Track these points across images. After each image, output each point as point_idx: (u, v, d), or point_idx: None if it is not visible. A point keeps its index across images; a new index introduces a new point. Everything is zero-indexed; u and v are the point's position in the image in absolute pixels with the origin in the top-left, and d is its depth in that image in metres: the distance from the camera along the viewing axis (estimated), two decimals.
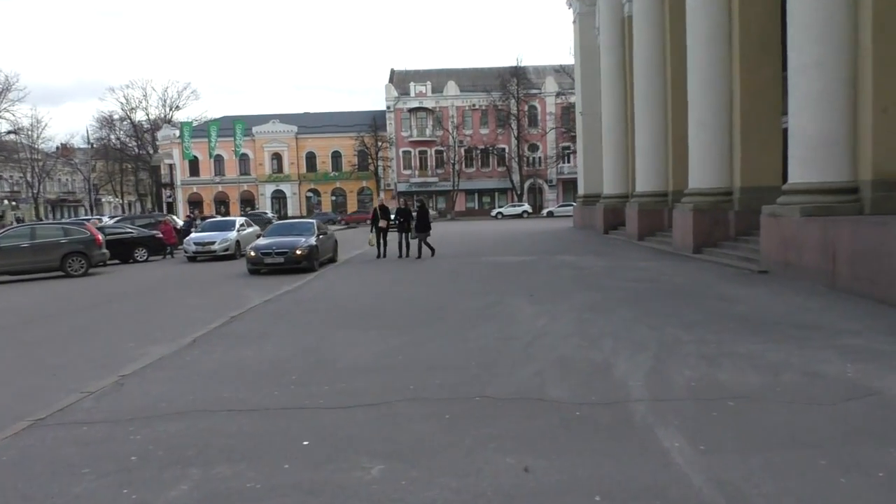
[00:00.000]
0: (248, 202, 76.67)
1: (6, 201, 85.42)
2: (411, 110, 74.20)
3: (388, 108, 74.39)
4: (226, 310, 11.55)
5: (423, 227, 19.55)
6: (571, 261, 16.92)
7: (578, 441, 4.67)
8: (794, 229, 11.87)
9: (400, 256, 19.49)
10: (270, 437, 5.03)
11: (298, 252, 18.08)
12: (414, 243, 19.77)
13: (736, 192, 16.15)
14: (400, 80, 76.07)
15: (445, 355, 7.35)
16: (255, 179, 76.45)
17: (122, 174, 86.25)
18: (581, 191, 33.43)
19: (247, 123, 73.14)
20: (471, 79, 74.39)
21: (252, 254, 18.23)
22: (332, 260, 20.70)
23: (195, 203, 76.29)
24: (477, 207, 73.98)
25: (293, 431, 5.12)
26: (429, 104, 73.81)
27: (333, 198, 76.62)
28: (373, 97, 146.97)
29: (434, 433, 4.94)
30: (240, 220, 27.27)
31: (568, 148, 68.70)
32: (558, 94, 70.50)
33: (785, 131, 15.62)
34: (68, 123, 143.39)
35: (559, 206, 62.87)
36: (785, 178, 13.23)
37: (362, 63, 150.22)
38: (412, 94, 74.13)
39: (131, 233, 25.60)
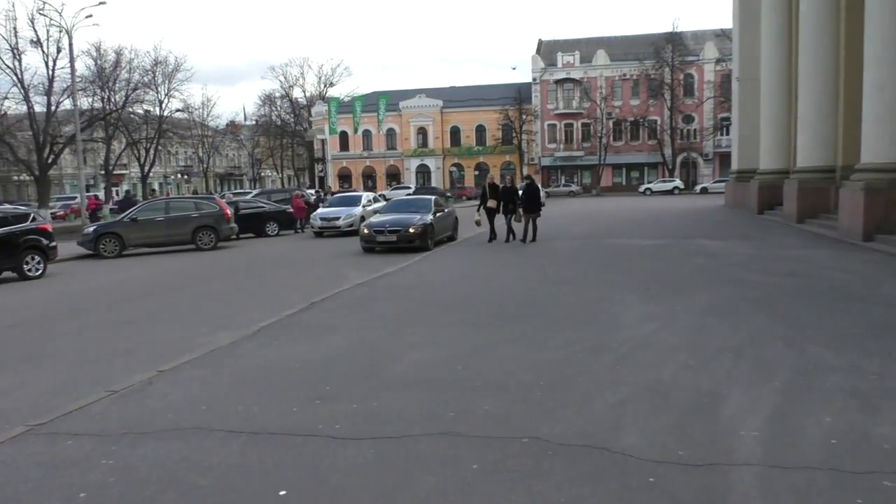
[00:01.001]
0: (393, 176, 77.90)
1: (179, 175, 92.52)
2: (558, 81, 71.54)
3: (535, 79, 72.16)
4: (316, 292, 10.89)
5: (533, 208, 17.31)
6: (711, 247, 14.75)
7: None
8: None
9: (507, 241, 17.42)
10: (247, 478, 4.02)
11: (412, 230, 17.24)
12: (519, 227, 17.41)
13: None
14: (547, 51, 73.54)
15: (514, 367, 6.03)
16: (401, 154, 77.29)
17: (281, 149, 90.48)
18: (735, 165, 30.14)
19: (392, 98, 74.05)
20: (622, 47, 70.38)
21: (365, 231, 17.64)
22: (452, 238, 19.72)
23: (344, 177, 78.74)
24: (624, 183, 70.34)
25: (278, 473, 4.07)
26: (576, 75, 70.82)
27: (477, 172, 75.83)
28: (520, 70, 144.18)
29: (446, 494, 3.69)
30: (367, 195, 27.00)
31: (726, 119, 62.82)
32: (718, 61, 64.70)
33: None
34: (240, 102, 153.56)
35: (714, 182, 58.14)
36: None
37: (512, 36, 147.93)
38: (559, 64, 71.42)
39: (263, 207, 26.04)
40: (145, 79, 57.64)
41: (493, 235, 18.01)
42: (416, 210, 18.73)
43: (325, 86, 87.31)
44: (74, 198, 48.04)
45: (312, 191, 56.43)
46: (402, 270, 13.22)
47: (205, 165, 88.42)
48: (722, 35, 62.69)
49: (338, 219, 23.77)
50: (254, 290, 12.41)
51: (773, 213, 22.25)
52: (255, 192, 35.30)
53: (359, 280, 12.11)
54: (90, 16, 41.89)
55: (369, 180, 78.33)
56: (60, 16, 44.86)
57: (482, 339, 7.21)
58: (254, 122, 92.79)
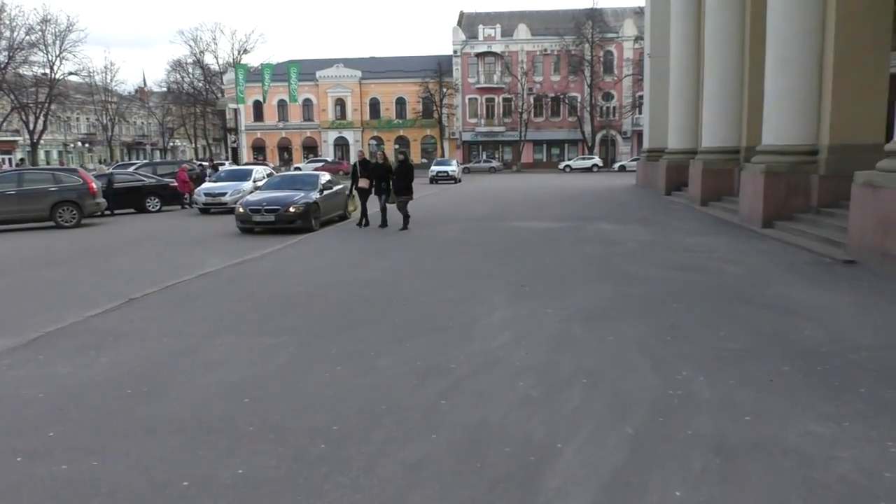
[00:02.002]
0: (310, 149, 75.16)
1: (81, 143, 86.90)
2: (479, 55, 70.17)
3: (455, 52, 70.57)
4: (150, 283, 9.34)
5: (404, 189, 14.92)
6: (608, 231, 13.79)
7: None
8: None
9: (382, 225, 15.28)
10: None
11: (292, 210, 15.64)
12: (394, 210, 15.25)
13: (822, 151, 12.60)
14: (469, 24, 72.01)
15: (314, 401, 4.70)
16: (319, 126, 74.60)
17: (193, 118, 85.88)
18: (645, 144, 29.61)
19: (309, 68, 71.10)
20: (543, 21, 69.61)
21: (241, 210, 15.90)
22: (343, 217, 18.24)
23: (259, 149, 75.52)
24: (545, 159, 69.97)
25: None
26: (498, 48, 69.62)
27: (396, 146, 73.95)
28: (440, 43, 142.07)
29: None
30: (260, 168, 25.05)
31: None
32: (637, 39, 64.54)
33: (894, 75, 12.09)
34: (153, 67, 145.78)
35: (632, 160, 58.23)
36: (890, 136, 9.75)
37: (432, 6, 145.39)
38: (480, 37, 70.02)
39: (142, 181, 23.76)
40: (31, 37, 52.94)
41: (364, 219, 15.88)
42: (300, 187, 17.14)
43: (239, 53, 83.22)
44: None
45: (227, 162, 53.58)
46: (266, 256, 11.68)
47: (109, 134, 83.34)
48: (641, 13, 62.73)
49: (224, 194, 21.81)
50: (83, 279, 10.62)
51: (680, 194, 21.68)
52: (139, 163, 32.55)
53: (210, 268, 10.55)
54: None
55: (285, 152, 75.44)
56: None
57: (301, 355, 5.84)
58: (165, 89, 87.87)
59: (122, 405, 4.77)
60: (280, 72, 61.70)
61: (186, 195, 23.99)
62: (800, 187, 12.81)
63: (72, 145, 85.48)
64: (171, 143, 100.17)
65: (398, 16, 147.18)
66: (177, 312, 7.61)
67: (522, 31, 68.86)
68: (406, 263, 10.58)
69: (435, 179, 42.00)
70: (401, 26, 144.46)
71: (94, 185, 19.29)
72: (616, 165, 61.27)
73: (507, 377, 5.08)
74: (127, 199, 23.01)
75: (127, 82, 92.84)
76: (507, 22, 70.51)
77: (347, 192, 18.14)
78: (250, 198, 16.62)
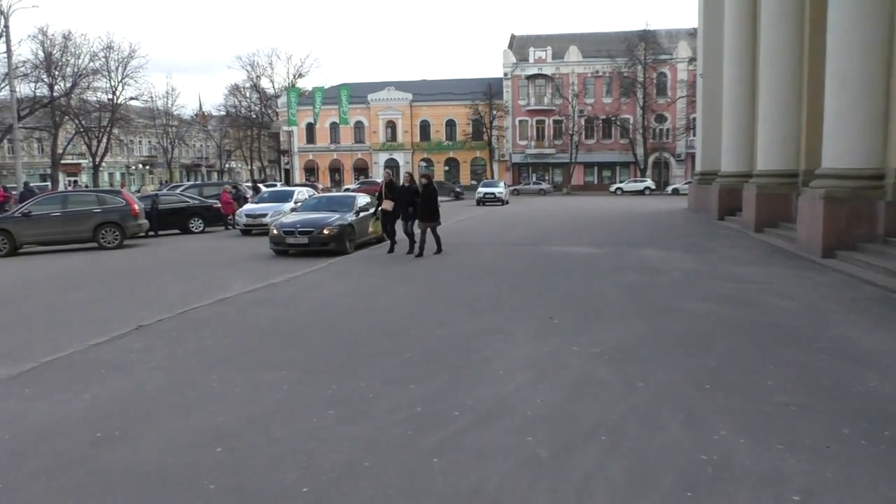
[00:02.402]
0: (361, 171, 75.72)
1: (142, 165, 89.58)
2: (529, 77, 69.74)
3: (506, 74, 70.27)
4: (168, 308, 9.08)
5: (429, 215, 13.92)
6: (652, 258, 12.96)
7: None
8: None
9: (410, 252, 14.16)
10: None
11: (326, 231, 15.33)
12: (420, 235, 14.25)
13: (890, 176, 11.58)
14: (519, 46, 71.76)
15: (283, 456, 4.16)
16: (369, 147, 75.15)
17: (249, 141, 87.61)
18: (698, 167, 28.51)
19: (361, 91, 71.83)
20: (594, 44, 68.76)
21: (274, 231, 15.66)
22: (381, 240, 17.84)
23: (311, 170, 76.43)
24: (596, 182, 68.79)
25: None
26: (548, 71, 69.08)
27: (446, 168, 73.96)
28: (491, 66, 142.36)
29: None
30: (301, 190, 24.92)
31: None
32: (691, 60, 62.88)
33: None
34: (215, 93, 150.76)
35: (685, 183, 56.56)
36: None
37: (484, 31, 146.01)
38: (531, 59, 69.64)
39: (186, 202, 23.91)
40: (95, 64, 54.76)
41: (392, 246, 14.89)
42: (336, 208, 16.85)
43: (294, 77, 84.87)
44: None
45: (279, 183, 54.05)
46: (291, 281, 11.29)
47: (169, 156, 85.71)
48: (695, 34, 61.29)
49: (265, 215, 21.70)
50: (105, 302, 10.42)
51: (733, 219, 20.60)
52: (186, 185, 32.99)
53: (231, 293, 10.21)
54: None
55: (336, 174, 76.18)
56: None
57: (294, 395, 5.33)
58: (223, 113, 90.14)
59: (86, 451, 4.33)
60: (331, 95, 62.42)
61: (230, 216, 24.03)
62: (864, 214, 11.79)
63: (133, 167, 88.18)
64: (228, 165, 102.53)
65: (450, 39, 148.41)
66: (181, 342, 7.21)
67: (573, 53, 68.20)
68: (431, 291, 10.01)
69: (482, 201, 41.46)
70: (452, 50, 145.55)
71: (136, 207, 19.41)
72: (669, 188, 59.77)
73: (514, 430, 4.44)
74: (171, 220, 23.20)
75: (187, 106, 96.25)
76: (558, 44, 69.96)
77: (372, 214, 17.74)
78: (284, 220, 16.37)
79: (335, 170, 76.65)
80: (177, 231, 23.39)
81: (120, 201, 19.33)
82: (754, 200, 17.18)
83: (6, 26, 40.04)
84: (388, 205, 14.72)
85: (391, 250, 14.83)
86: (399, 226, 14.85)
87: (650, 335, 6.92)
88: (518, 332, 7.14)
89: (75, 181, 53.29)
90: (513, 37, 74.25)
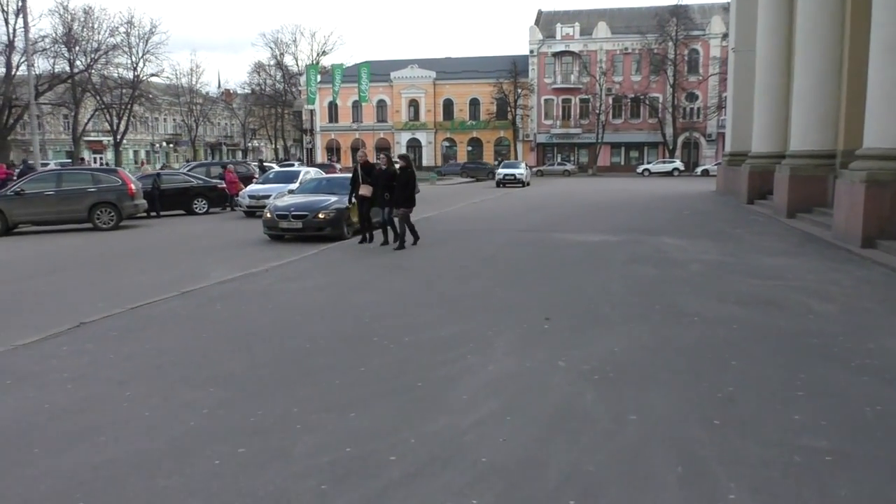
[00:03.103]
0: (383, 150, 74.66)
1: (166, 143, 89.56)
2: (556, 55, 67.82)
3: (532, 52, 68.45)
4: (132, 299, 8.26)
5: (403, 200, 12.26)
6: (670, 247, 11.79)
7: None
8: None
9: (385, 243, 12.83)
10: None
11: (321, 216, 14.37)
12: (399, 223, 12.66)
13: None
14: (546, 22, 69.79)
15: None
16: (392, 127, 74.01)
17: (273, 119, 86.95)
18: (727, 147, 26.98)
19: (383, 69, 70.71)
20: (624, 19, 66.67)
21: (268, 215, 14.73)
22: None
23: (333, 150, 75.63)
24: (623, 163, 66.95)
25: None
26: (576, 48, 67.07)
27: (469, 148, 72.60)
28: (517, 43, 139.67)
29: None
30: (308, 170, 23.99)
31: None
32: (724, 36, 60.11)
33: None
34: (241, 71, 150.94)
35: (715, 164, 54.49)
36: None
37: (511, 8, 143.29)
38: (558, 36, 67.66)
39: (190, 182, 23.12)
40: (115, 39, 54.26)
41: (365, 235, 13.35)
42: (335, 190, 15.85)
43: (318, 54, 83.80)
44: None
45: (297, 163, 53.12)
46: (270, 271, 10.36)
47: (193, 134, 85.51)
48: (729, 8, 58.83)
49: (268, 197, 20.76)
50: (70, 291, 9.69)
51: (764, 203, 19.24)
52: (192, 164, 32.24)
53: (201, 284, 9.32)
54: None
55: (357, 154, 75.19)
56: None
57: (210, 422, 4.39)
58: (248, 91, 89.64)
59: None
60: (352, 73, 61.29)
61: (235, 196, 23.22)
62: None
63: (158, 145, 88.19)
64: (253, 144, 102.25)
65: (476, 17, 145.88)
66: (116, 345, 6.31)
67: (602, 29, 66.12)
68: (416, 285, 9.01)
69: (502, 183, 40.15)
70: (478, 28, 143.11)
71: (133, 187, 18.63)
72: (699, 169, 57.86)
73: (458, 488, 3.43)
74: (175, 201, 22.46)
75: (211, 84, 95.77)
76: (587, 20, 67.90)
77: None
78: (278, 203, 15.44)
79: (356, 149, 75.59)
80: (181, 212, 22.66)
81: (116, 180, 18.57)
82: (787, 183, 15.84)
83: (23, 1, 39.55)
84: (365, 190, 13.01)
85: (364, 240, 13.36)
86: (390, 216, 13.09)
87: (654, 347, 5.84)
88: (500, 340, 6.11)
89: (81, 158, 52.84)
90: (540, 13, 72.29)
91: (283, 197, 16.92)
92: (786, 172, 15.95)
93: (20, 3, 41.84)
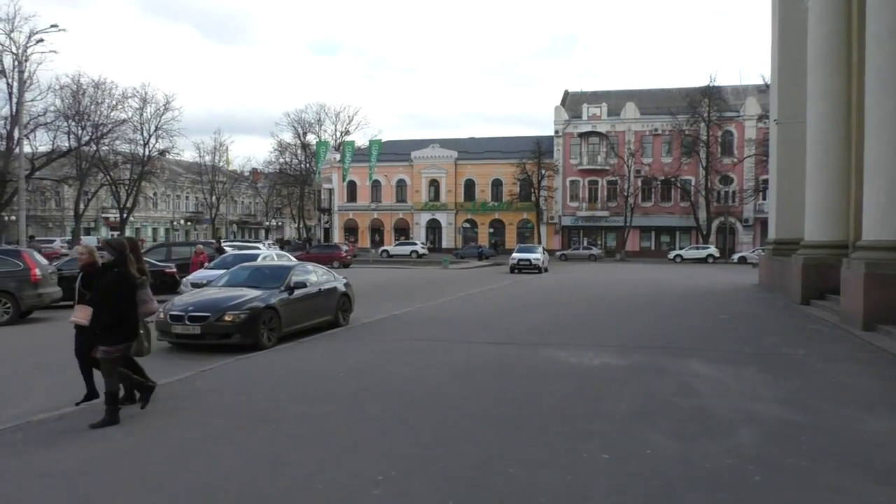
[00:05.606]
0: (402, 231, 71.86)
1: (185, 221, 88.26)
2: (582, 135, 65.19)
3: (557, 132, 65.95)
4: None
5: (102, 328, 6.53)
6: (702, 385, 7.75)
7: None
8: None
9: (132, 399, 7.18)
10: None
11: (227, 318, 10.69)
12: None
13: None
14: (573, 103, 67.53)
15: None
16: (411, 207, 71.28)
17: (294, 198, 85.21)
18: (771, 233, 22.93)
19: (402, 148, 68.89)
20: (653, 100, 63.90)
21: (160, 316, 11.01)
22: (334, 324, 13.23)
23: (351, 230, 73.03)
24: (653, 247, 62.97)
25: None
26: (603, 128, 64.38)
27: (491, 230, 69.36)
28: (542, 126, 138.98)
29: None
30: (268, 252, 20.59)
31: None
32: (761, 118, 57.11)
33: None
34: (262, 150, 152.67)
35: (753, 251, 50.35)
36: None
37: (537, 93, 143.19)
38: (584, 116, 65.18)
39: None
40: (126, 114, 52.86)
41: (89, 391, 7.29)
42: (264, 283, 12.26)
43: (342, 134, 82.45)
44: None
45: (265, 244, 49.85)
46: (62, 419, 6.60)
47: (214, 211, 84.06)
48: (766, 90, 55.61)
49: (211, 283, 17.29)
50: None
51: (824, 305, 15.08)
52: (155, 244, 29.16)
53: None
54: (41, 40, 36.97)
55: (376, 234, 72.36)
56: (10, 38, 40.12)
57: None
58: (275, 171, 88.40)
59: None
60: (365, 151, 59.07)
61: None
62: None
63: (177, 223, 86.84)
64: (272, 223, 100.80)
65: (501, 102, 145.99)
66: None
67: (630, 109, 63.49)
68: (243, 472, 5.12)
69: (516, 268, 36.24)
70: (502, 112, 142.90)
71: (37, 273, 15.21)
72: (735, 256, 53.59)
73: None
74: None
75: (234, 162, 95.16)
76: (615, 101, 65.47)
77: (341, 290, 13.26)
78: (177, 300, 11.80)
79: (375, 230, 72.94)
80: None
81: (17, 264, 15.21)
82: (862, 284, 11.72)
83: (20, 71, 38.23)
84: (81, 315, 6.81)
85: (88, 397, 7.34)
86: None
87: None
88: None
89: (31, 237, 50.70)
90: (566, 93, 70.30)
91: (190, 292, 13.35)
92: (860, 269, 11.86)
93: (25, 80, 40.66)
